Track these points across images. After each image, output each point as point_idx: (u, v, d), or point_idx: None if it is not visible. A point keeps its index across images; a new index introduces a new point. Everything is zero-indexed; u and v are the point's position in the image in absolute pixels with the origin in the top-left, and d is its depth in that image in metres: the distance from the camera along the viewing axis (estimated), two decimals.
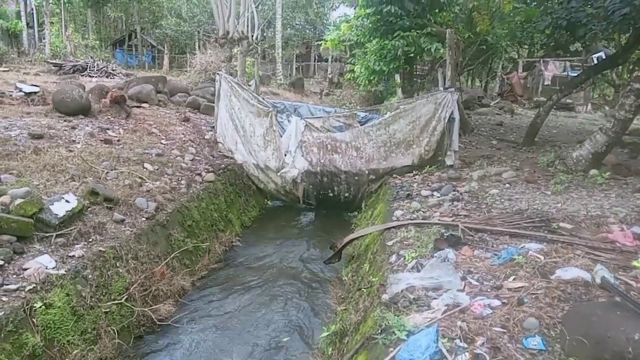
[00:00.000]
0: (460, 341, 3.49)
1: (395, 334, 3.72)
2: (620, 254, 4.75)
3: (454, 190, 7.43)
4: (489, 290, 4.23)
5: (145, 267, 5.74)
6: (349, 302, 5.62)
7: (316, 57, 42.92)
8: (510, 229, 5.50)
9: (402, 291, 4.38)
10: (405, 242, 5.66)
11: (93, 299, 4.87)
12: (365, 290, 5.19)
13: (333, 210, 10.10)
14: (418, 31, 11.81)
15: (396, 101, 12.24)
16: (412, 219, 6.42)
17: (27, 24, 41.31)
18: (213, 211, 8.10)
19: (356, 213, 9.81)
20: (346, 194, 9.93)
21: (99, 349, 4.59)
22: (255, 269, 7.20)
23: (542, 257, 4.67)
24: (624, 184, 7.49)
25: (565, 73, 22.23)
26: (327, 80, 31.03)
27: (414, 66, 14.41)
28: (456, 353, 3.36)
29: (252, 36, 14.75)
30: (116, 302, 5.10)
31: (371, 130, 9.53)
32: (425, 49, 11.74)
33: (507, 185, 7.57)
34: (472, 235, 5.45)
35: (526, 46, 25.14)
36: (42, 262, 4.72)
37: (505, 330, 3.58)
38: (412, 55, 12.02)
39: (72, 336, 4.43)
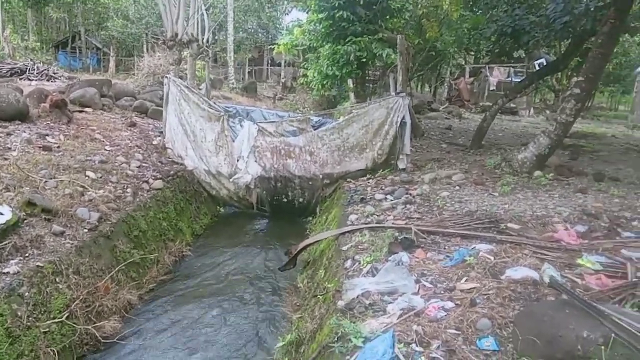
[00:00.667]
0: (417, 345, 3.47)
1: (351, 342, 3.66)
2: (565, 252, 4.93)
3: (407, 194, 7.52)
4: (442, 292, 4.27)
5: (87, 282, 5.40)
6: (305, 310, 5.53)
7: (269, 62, 42.69)
8: (461, 230, 5.60)
9: (357, 297, 4.34)
10: (360, 247, 5.64)
11: (30, 319, 4.52)
12: (320, 297, 5.12)
13: (287, 216, 9.98)
14: (370, 37, 11.96)
15: (349, 105, 12.33)
16: (366, 223, 6.42)
17: None
18: (162, 220, 7.78)
19: (311, 218, 9.75)
20: (300, 199, 9.86)
21: None
22: (207, 280, 6.97)
23: (492, 258, 4.77)
24: (566, 185, 7.85)
25: (509, 79, 23.26)
26: (281, 84, 30.91)
27: (367, 71, 14.59)
28: (412, 358, 3.34)
29: (203, 39, 14.42)
30: (56, 320, 4.76)
31: (325, 134, 9.51)
32: (377, 55, 11.89)
33: (457, 187, 7.74)
34: (425, 238, 5.51)
35: (472, 52, 26.15)
36: None
37: (459, 332, 3.61)
38: (364, 60, 12.15)
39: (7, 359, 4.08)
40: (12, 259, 4.96)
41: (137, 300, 6.02)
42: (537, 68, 18.72)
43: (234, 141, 9.75)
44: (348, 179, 9.21)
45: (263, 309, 6.13)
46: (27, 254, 5.14)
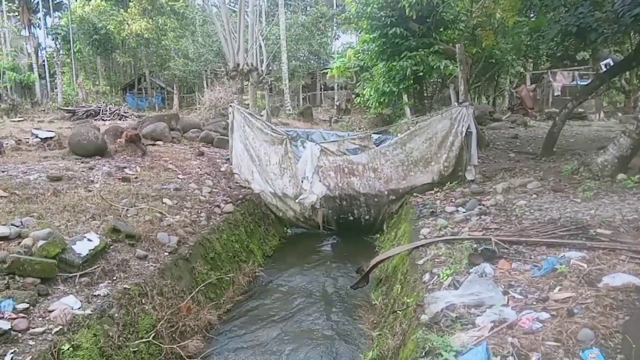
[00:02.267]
0: (514, 358, 3.26)
1: (442, 356, 3.50)
2: None
3: (480, 205, 7.23)
4: (534, 303, 4.01)
5: (170, 302, 5.59)
6: (384, 327, 5.38)
7: (322, 87, 43.42)
8: (546, 238, 5.27)
9: (442, 310, 4.17)
10: (437, 260, 5.45)
11: (120, 339, 4.71)
12: (400, 313, 4.97)
13: (354, 234, 9.90)
14: (425, 50, 11.84)
15: (405, 122, 12.19)
16: (440, 236, 6.22)
17: (39, 75, 42.73)
18: (234, 242, 7.97)
19: (378, 235, 9.61)
20: (367, 217, 9.76)
21: None
22: (281, 299, 7.00)
23: (585, 265, 4.44)
24: None
25: (575, 82, 22.14)
26: (335, 107, 31.22)
27: (423, 86, 14.42)
28: None
29: (261, 68, 14.93)
30: (144, 340, 4.93)
31: (387, 150, 9.42)
32: (434, 67, 11.73)
33: (534, 195, 7.35)
34: (507, 248, 5.24)
35: (531, 59, 25.21)
36: (67, 303, 4.60)
37: (559, 344, 3.35)
38: (421, 74, 12.03)
39: None
40: (102, 282, 5.23)
41: (217, 320, 6.13)
42: (604, 69, 17.70)
43: (297, 163, 9.89)
44: (414, 194, 9.01)
45: (338, 326, 6.04)
46: (114, 277, 5.40)
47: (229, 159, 11.35)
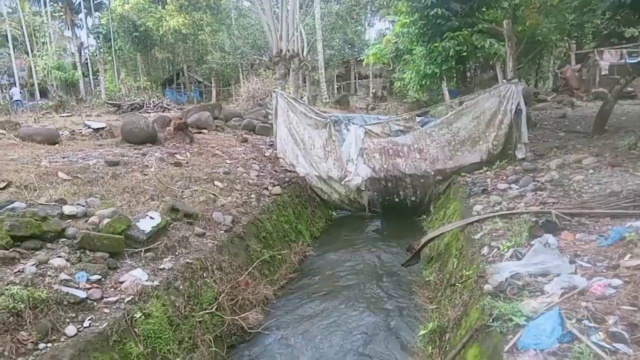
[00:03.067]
0: (589, 321, 3.21)
1: (512, 321, 3.47)
2: None
3: (534, 181, 7.06)
4: (604, 270, 3.91)
5: (229, 277, 5.76)
6: (441, 300, 5.37)
7: (356, 76, 43.12)
8: (610, 210, 5.11)
9: (506, 280, 4.12)
10: (494, 234, 5.38)
11: (186, 309, 4.90)
12: (459, 285, 4.94)
13: (400, 216, 9.87)
14: (469, 29, 11.57)
15: (449, 103, 11.95)
16: (495, 212, 6.11)
17: (83, 73, 44.32)
18: (283, 223, 8.10)
19: (425, 217, 9.54)
20: (412, 198, 9.70)
21: (197, 357, 4.58)
22: (332, 276, 7.08)
23: None
24: None
25: (623, 61, 21.10)
26: (371, 95, 31.00)
27: (466, 67, 14.09)
28: (588, 333, 3.08)
29: (303, 54, 15.00)
30: (208, 311, 5.11)
31: (433, 130, 9.31)
32: (479, 46, 11.45)
33: (591, 170, 7.11)
34: (568, 220, 5.11)
35: (575, 39, 24.17)
36: (136, 275, 4.82)
37: (636, 309, 3.27)
38: (464, 54, 11.76)
39: (171, 345, 4.45)
40: (165, 257, 5.44)
41: (272, 295, 6.28)
42: None
43: (341, 145, 9.91)
44: (462, 174, 8.88)
45: (393, 300, 6.07)
46: (177, 253, 5.61)
47: (272, 144, 11.50)
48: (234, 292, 5.59)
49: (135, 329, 4.20)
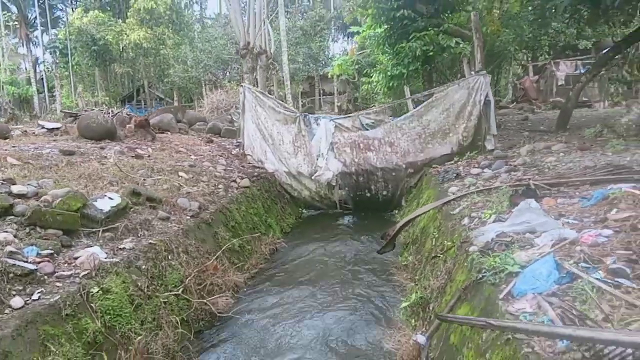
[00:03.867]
0: (587, 263, 3.05)
1: (504, 271, 3.28)
2: None
3: (507, 165, 7.03)
4: (592, 224, 3.79)
5: (196, 261, 5.35)
6: (421, 277, 5.15)
7: (320, 92, 43.40)
8: (590, 178, 5.07)
9: (492, 240, 3.94)
10: (473, 207, 5.24)
11: (150, 289, 4.47)
12: (441, 256, 4.74)
13: (372, 211, 9.67)
14: (435, 29, 11.72)
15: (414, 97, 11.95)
16: (472, 190, 6.00)
17: (37, 90, 42.67)
18: (253, 215, 7.74)
19: (397, 211, 9.38)
20: (384, 192, 9.54)
21: (160, 339, 4.14)
22: (304, 266, 6.77)
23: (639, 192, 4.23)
24: None
25: (578, 71, 22.07)
26: (337, 108, 31.14)
27: (433, 67, 14.19)
28: (587, 272, 2.91)
29: (270, 51, 14.82)
30: (173, 293, 4.68)
31: (404, 123, 9.25)
32: (445, 46, 11.60)
33: (562, 154, 7.15)
34: (548, 190, 5.03)
35: (531, 53, 25.15)
36: (92, 252, 4.36)
37: (630, 252, 3.14)
38: (431, 54, 11.87)
39: (133, 324, 4.00)
40: (126, 239, 5.00)
41: (243, 283, 5.89)
42: None
43: (311, 140, 9.70)
44: (433, 165, 8.81)
45: (369, 285, 5.80)
46: (139, 235, 5.17)
47: (239, 144, 11.15)
48: (201, 277, 5.19)
49: (91, 304, 3.76)
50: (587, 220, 3.88)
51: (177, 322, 4.40)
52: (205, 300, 4.87)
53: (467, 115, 8.85)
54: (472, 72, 9.11)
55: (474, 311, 3.37)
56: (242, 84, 10.88)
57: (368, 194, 9.63)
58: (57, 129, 11.31)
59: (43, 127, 11.40)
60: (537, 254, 3.37)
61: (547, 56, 23.79)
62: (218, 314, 4.93)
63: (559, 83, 21.56)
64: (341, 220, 9.60)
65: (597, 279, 2.75)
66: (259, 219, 7.88)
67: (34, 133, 11.00)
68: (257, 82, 13.87)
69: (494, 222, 4.46)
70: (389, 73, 12.78)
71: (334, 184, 9.56)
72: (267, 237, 7.53)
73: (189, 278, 4.96)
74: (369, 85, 15.16)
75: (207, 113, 21.76)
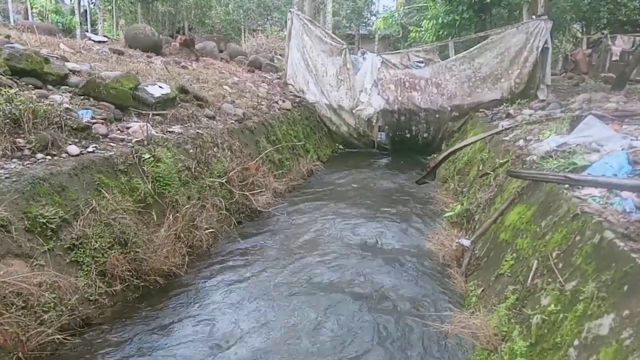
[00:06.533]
0: None
1: (568, 168, 3.15)
2: None
3: (562, 108, 6.73)
4: None
5: (239, 160, 5.36)
6: (467, 195, 5.05)
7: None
8: None
9: (553, 150, 3.79)
10: (529, 133, 5.04)
11: (196, 170, 4.51)
12: (492, 173, 4.60)
13: (409, 154, 9.46)
14: None
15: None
16: (527, 121, 5.78)
17: (80, 22, 42.99)
18: (293, 137, 7.70)
19: (435, 155, 9.18)
20: (425, 134, 9.33)
21: (205, 219, 4.18)
22: (342, 187, 6.76)
23: None
24: None
25: (634, 48, 20.89)
26: None
27: (487, 18, 13.55)
28: None
29: None
30: (217, 180, 4.72)
31: (454, 65, 8.93)
32: None
33: (622, 103, 6.79)
34: (612, 119, 4.78)
35: (586, 24, 23.87)
36: (144, 124, 4.40)
37: None
38: (487, 1, 11.33)
39: (180, 196, 4.05)
40: (174, 125, 5.03)
41: (282, 191, 5.91)
42: None
43: (356, 74, 9.49)
44: (480, 110, 8.53)
45: (407, 205, 5.73)
46: (186, 125, 5.20)
47: (280, 77, 11.00)
48: (244, 174, 5.20)
49: (143, 168, 3.80)
50: None
51: (222, 205, 4.44)
52: (247, 193, 4.90)
53: (522, 61, 8.47)
54: (533, 17, 8.65)
55: (530, 209, 3.27)
56: (290, 9, 10.63)
57: (408, 135, 9.43)
58: (104, 42, 11.37)
59: (90, 39, 11.47)
60: (606, 155, 3.21)
61: (603, 30, 22.56)
62: (258, 209, 4.96)
63: (613, 59, 20.42)
64: (378, 159, 9.45)
65: None
66: (298, 140, 7.83)
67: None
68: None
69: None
70: (440, 20, 12.29)
71: (374, 121, 9.40)
72: (305, 159, 7.50)
73: (233, 172, 4.98)
74: (417, 34, 14.63)
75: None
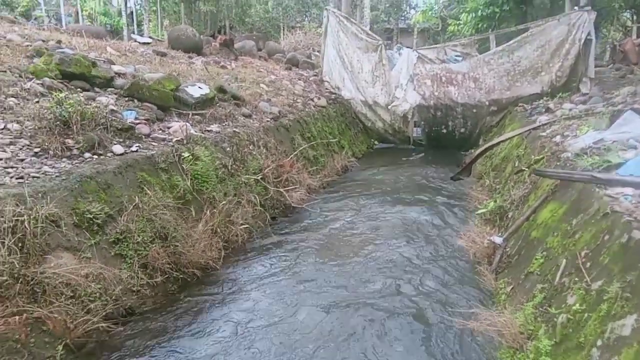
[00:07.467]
0: None
1: (609, 162, 3.10)
2: None
3: (604, 102, 6.50)
4: None
5: (274, 157, 5.51)
6: (501, 192, 5.00)
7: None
8: None
9: (588, 146, 3.72)
10: (567, 128, 4.94)
11: (233, 168, 4.69)
12: (527, 170, 4.55)
13: (445, 150, 9.36)
14: None
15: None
16: (566, 116, 5.64)
17: (127, 23, 44.62)
18: (328, 134, 7.80)
19: (472, 150, 9.04)
20: (462, 130, 9.21)
21: (240, 215, 4.36)
22: (376, 183, 6.81)
23: None
24: None
25: None
26: None
27: (527, 11, 13.15)
28: None
29: None
30: (253, 177, 4.89)
31: (492, 58, 8.77)
32: None
33: None
34: None
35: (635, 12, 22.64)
36: (184, 124, 4.61)
37: None
38: None
39: (217, 193, 4.24)
40: (212, 124, 5.23)
41: (316, 187, 6.03)
42: None
43: (391, 70, 9.47)
44: (520, 104, 8.33)
45: (441, 201, 5.73)
46: (224, 123, 5.40)
47: (316, 74, 11.12)
48: (279, 171, 5.35)
49: (182, 166, 4.01)
50: None
51: (257, 201, 4.61)
52: (281, 190, 5.05)
53: (564, 53, 8.21)
54: (576, 8, 8.36)
55: (562, 207, 3.24)
56: (326, 7, 10.71)
57: (444, 130, 9.35)
58: (148, 43, 11.83)
59: (135, 41, 11.97)
60: None
61: None
62: (293, 205, 5.10)
63: None
64: (413, 155, 9.41)
65: None
66: (333, 137, 7.93)
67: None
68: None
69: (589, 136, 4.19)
70: (479, 13, 12.06)
71: (409, 116, 9.36)
72: (340, 156, 7.59)
73: (268, 169, 5.14)
74: (456, 27, 14.38)
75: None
